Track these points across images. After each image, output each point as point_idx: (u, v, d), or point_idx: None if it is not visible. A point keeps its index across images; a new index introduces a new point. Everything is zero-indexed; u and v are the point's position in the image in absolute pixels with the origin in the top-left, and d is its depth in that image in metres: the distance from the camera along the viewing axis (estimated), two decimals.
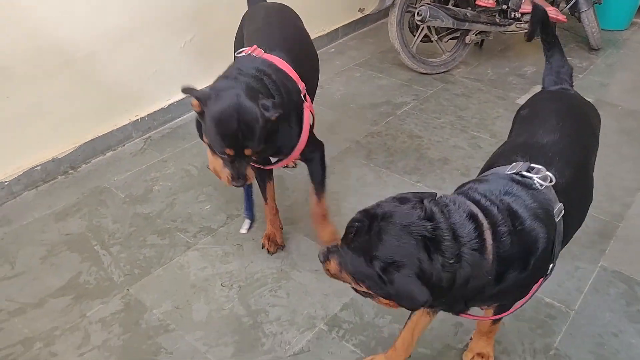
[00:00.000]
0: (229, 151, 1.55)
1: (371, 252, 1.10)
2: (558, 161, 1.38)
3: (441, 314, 1.74)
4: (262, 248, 2.04)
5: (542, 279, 1.34)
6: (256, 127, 1.54)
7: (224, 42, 2.52)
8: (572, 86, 1.77)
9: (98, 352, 1.67)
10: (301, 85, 1.82)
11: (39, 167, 2.35)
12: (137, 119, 2.66)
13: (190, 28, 2.74)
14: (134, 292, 1.87)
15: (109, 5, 2.35)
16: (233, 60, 1.85)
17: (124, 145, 2.65)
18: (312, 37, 3.56)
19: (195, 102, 1.60)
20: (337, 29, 3.85)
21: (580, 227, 1.71)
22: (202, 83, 2.89)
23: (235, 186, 1.65)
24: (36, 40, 2.19)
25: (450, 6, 3.29)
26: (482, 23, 3.35)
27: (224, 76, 1.68)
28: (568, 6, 3.59)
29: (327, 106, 3.05)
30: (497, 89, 3.29)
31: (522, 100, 3.16)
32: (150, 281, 1.91)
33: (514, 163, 1.34)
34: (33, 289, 1.89)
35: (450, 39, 3.51)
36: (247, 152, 1.57)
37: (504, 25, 3.42)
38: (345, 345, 1.70)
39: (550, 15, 3.28)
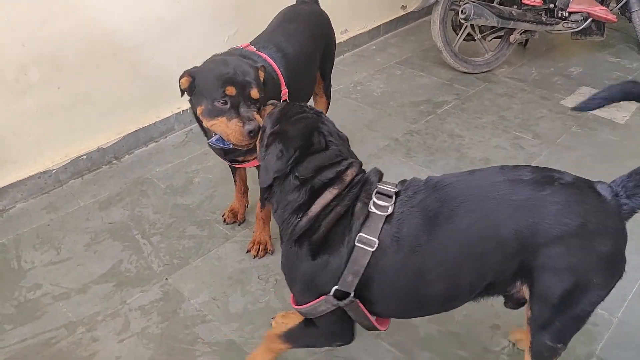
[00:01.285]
0: (230, 89, 1.48)
1: (276, 121, 1.34)
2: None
3: (478, 316, 1.71)
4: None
5: None
6: (250, 70, 1.55)
7: None
8: None
9: (137, 339, 1.71)
10: (283, 91, 1.80)
11: (84, 156, 2.42)
12: (180, 112, 2.71)
13: (234, 21, 2.76)
14: (173, 282, 1.90)
15: None
16: None
17: (166, 137, 2.70)
18: (353, 34, 3.60)
19: (184, 78, 1.58)
20: (378, 27, 3.83)
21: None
22: None
23: (250, 135, 1.47)
24: (86, 30, 2.25)
25: (495, 4, 3.22)
26: (528, 22, 3.26)
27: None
28: (618, 6, 3.46)
29: (367, 103, 3.03)
30: (541, 89, 3.21)
31: (567, 101, 3.07)
32: (188, 271, 1.94)
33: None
34: (77, 274, 1.94)
35: (494, 37, 3.43)
36: (253, 93, 1.51)
37: (551, 25, 3.32)
38: (381, 344, 1.69)
39: (599, 14, 3.20)
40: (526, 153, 2.60)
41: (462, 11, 3.11)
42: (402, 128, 2.79)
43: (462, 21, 3.18)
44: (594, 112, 2.98)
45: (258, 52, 1.80)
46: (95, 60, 2.33)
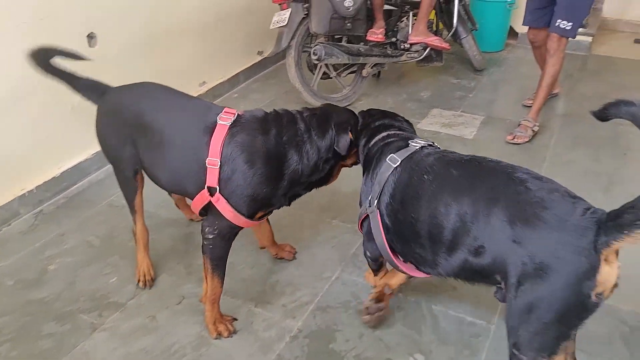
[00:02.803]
0: None
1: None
2: None
3: None
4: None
5: None
6: None
7: None
8: None
9: None
10: None
11: None
12: (24, 193, 2.44)
13: None
14: None
15: None
16: None
17: (9, 225, 2.40)
18: (213, 84, 3.58)
19: None
20: (237, 74, 3.85)
21: None
22: (97, 146, 2.73)
23: None
24: None
25: (343, 43, 3.40)
26: (376, 56, 3.49)
27: None
28: (449, 34, 3.85)
29: None
30: None
31: (422, 124, 3.30)
32: None
33: None
34: None
35: (349, 73, 3.62)
36: None
37: (396, 56, 3.59)
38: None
39: (434, 44, 3.53)
40: None
41: (314, 53, 3.24)
42: None
43: (316, 62, 3.31)
44: (447, 131, 3.26)
45: None
46: None
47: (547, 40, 3.03)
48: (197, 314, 1.91)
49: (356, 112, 1.94)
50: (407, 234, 1.54)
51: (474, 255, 1.36)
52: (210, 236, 1.71)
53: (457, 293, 1.99)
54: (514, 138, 3.14)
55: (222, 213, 1.66)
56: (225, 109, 1.72)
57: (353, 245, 2.24)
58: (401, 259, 1.65)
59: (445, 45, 3.57)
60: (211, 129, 1.65)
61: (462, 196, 1.39)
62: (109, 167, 2.80)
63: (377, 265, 1.85)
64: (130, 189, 1.94)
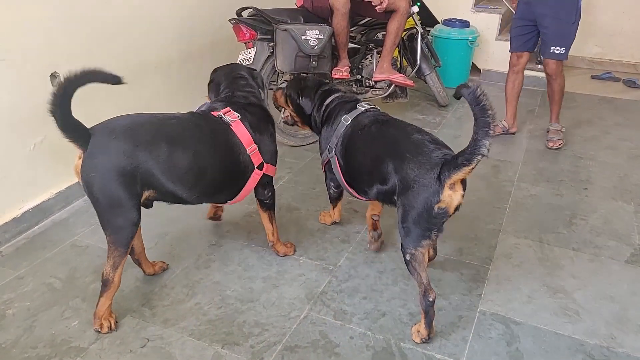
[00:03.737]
0: None
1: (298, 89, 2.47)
2: None
3: None
4: None
5: None
6: None
7: None
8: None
9: None
10: None
11: None
12: None
13: (39, 129, 2.54)
14: None
15: None
16: None
17: None
18: None
19: None
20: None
21: (457, 276, 2.20)
22: (60, 185, 2.69)
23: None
24: None
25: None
26: None
27: None
28: (413, 71, 3.99)
29: None
30: None
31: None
32: None
33: None
34: None
35: None
36: None
37: (362, 93, 3.67)
38: None
39: (398, 81, 3.63)
40: (360, 215, 2.75)
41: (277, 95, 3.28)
42: (241, 211, 2.77)
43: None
44: None
45: None
46: None
47: (546, 67, 3.53)
48: (162, 358, 1.86)
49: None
50: (352, 172, 2.20)
51: (382, 184, 2.00)
52: (269, 195, 2.30)
53: None
54: (554, 144, 3.62)
55: (270, 174, 2.24)
56: (223, 110, 2.13)
57: (321, 283, 2.24)
58: (351, 188, 2.25)
59: (409, 82, 3.67)
60: (230, 129, 2.08)
61: (376, 146, 2.05)
62: (73, 206, 2.77)
63: (337, 193, 2.52)
64: (131, 231, 1.90)
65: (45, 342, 1.92)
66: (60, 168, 2.65)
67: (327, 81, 2.61)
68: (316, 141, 3.56)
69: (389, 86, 3.68)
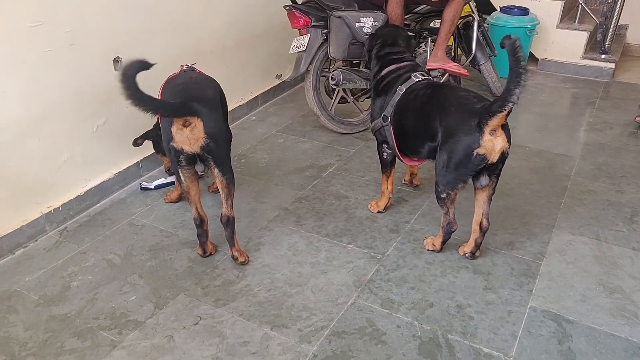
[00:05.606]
0: None
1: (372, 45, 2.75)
2: None
3: None
4: None
5: None
6: None
7: (140, 121, 2.48)
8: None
9: None
10: None
11: None
12: (51, 211, 2.50)
13: (102, 112, 2.67)
14: None
15: (8, 97, 2.24)
16: None
17: (36, 241, 2.47)
18: (232, 107, 3.64)
19: None
20: (256, 97, 3.91)
21: (507, 270, 2.28)
22: (120, 165, 2.82)
23: None
24: None
25: (361, 68, 3.45)
26: None
27: None
28: (468, 60, 3.88)
29: (253, 175, 3.03)
30: None
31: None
32: None
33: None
34: None
35: (366, 98, 3.65)
36: None
37: None
38: None
39: (453, 70, 3.55)
40: (409, 205, 2.73)
41: (332, 78, 3.29)
42: (290, 196, 2.81)
43: (334, 87, 3.36)
44: None
45: None
46: None
47: None
48: (213, 336, 1.93)
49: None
50: (405, 136, 2.37)
51: (432, 140, 2.18)
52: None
53: (474, 322, 1.97)
54: None
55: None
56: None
57: (369, 272, 2.25)
58: (402, 153, 2.46)
59: (463, 71, 3.58)
60: None
61: (427, 106, 2.23)
62: (130, 187, 2.89)
63: (391, 157, 2.55)
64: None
65: (106, 314, 2.03)
66: (120, 149, 2.77)
67: (396, 42, 2.65)
68: (366, 129, 3.59)
69: (443, 75, 3.61)
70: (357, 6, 3.31)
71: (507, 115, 1.95)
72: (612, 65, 4.62)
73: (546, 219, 2.62)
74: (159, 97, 2.28)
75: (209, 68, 3.32)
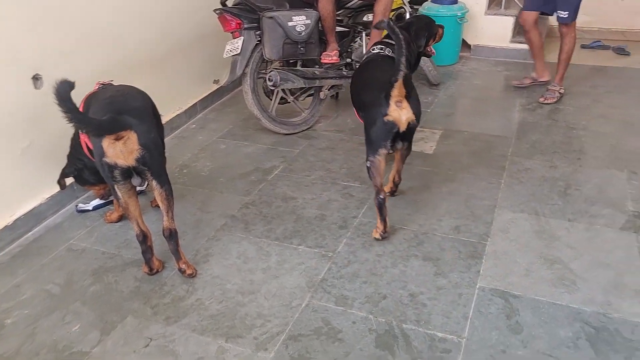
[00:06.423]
0: None
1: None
2: None
3: None
4: None
5: None
6: None
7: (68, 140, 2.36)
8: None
9: None
10: None
11: None
12: None
13: (25, 133, 2.51)
14: None
15: None
16: None
17: None
18: (170, 116, 3.54)
19: None
20: (195, 104, 3.82)
21: (455, 254, 2.31)
22: (52, 189, 2.67)
23: None
24: None
25: (298, 67, 3.43)
26: (332, 78, 3.53)
27: None
28: None
29: (196, 184, 2.96)
30: (358, 136, 3.44)
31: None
32: None
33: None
34: None
35: (306, 97, 3.64)
36: None
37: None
38: None
39: None
40: (356, 200, 2.75)
41: (269, 79, 3.26)
42: (236, 203, 2.76)
43: (272, 88, 3.33)
44: None
45: None
46: None
47: (559, 27, 3.82)
48: (166, 356, 1.86)
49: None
50: (359, 97, 2.60)
51: (361, 109, 2.54)
52: None
53: (427, 309, 2.00)
54: (545, 99, 3.85)
55: None
56: None
57: (321, 271, 2.24)
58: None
59: None
60: None
61: (370, 76, 2.54)
62: (66, 210, 2.75)
63: None
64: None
65: (47, 349, 1.92)
66: (50, 171, 2.62)
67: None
68: (309, 128, 3.58)
69: None
70: (288, 5, 3.29)
71: (408, 87, 2.23)
72: None
73: (488, 200, 2.70)
74: None
75: (142, 79, 3.21)
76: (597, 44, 5.17)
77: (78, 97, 2.12)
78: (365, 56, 2.84)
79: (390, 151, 2.41)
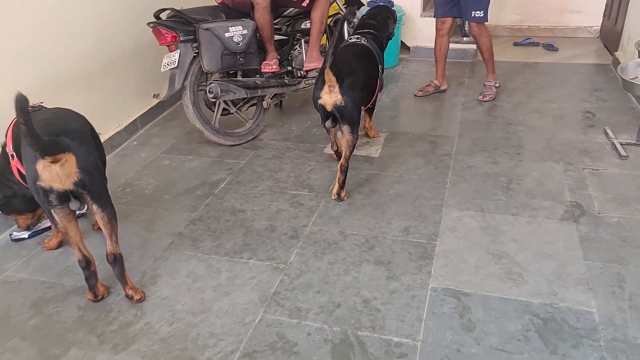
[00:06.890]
0: None
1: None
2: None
3: None
4: None
5: None
6: None
7: None
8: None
9: None
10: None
11: None
12: None
13: None
14: None
15: None
16: None
17: None
18: (109, 134, 3.41)
19: None
20: (135, 120, 3.70)
21: (406, 256, 2.29)
22: None
23: None
24: None
25: (239, 78, 3.39)
26: (273, 87, 3.51)
27: None
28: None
29: (140, 203, 2.85)
30: (304, 144, 3.44)
31: (328, 149, 3.34)
32: None
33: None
34: None
35: (250, 106, 3.60)
36: None
37: (294, 84, 3.63)
38: None
39: None
40: (306, 208, 2.73)
41: (209, 91, 3.20)
42: (183, 219, 2.68)
43: (213, 100, 3.27)
44: (354, 152, 3.32)
45: None
46: None
47: (471, 30, 3.93)
48: None
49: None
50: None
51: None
52: None
53: (381, 314, 2.01)
54: (484, 97, 3.99)
55: None
56: None
57: (273, 284, 2.20)
58: None
59: None
60: None
61: (346, 60, 2.84)
62: (1, 239, 2.58)
63: None
64: None
65: None
66: None
67: (373, 25, 3.23)
68: (254, 138, 3.54)
69: None
70: (224, 16, 3.24)
71: (338, 76, 2.56)
72: (474, 46, 4.98)
73: (435, 199, 2.75)
74: (9, 140, 2.07)
75: (76, 96, 3.09)
76: (528, 41, 5.40)
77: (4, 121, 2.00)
78: (343, 44, 3.15)
79: (330, 126, 2.78)
